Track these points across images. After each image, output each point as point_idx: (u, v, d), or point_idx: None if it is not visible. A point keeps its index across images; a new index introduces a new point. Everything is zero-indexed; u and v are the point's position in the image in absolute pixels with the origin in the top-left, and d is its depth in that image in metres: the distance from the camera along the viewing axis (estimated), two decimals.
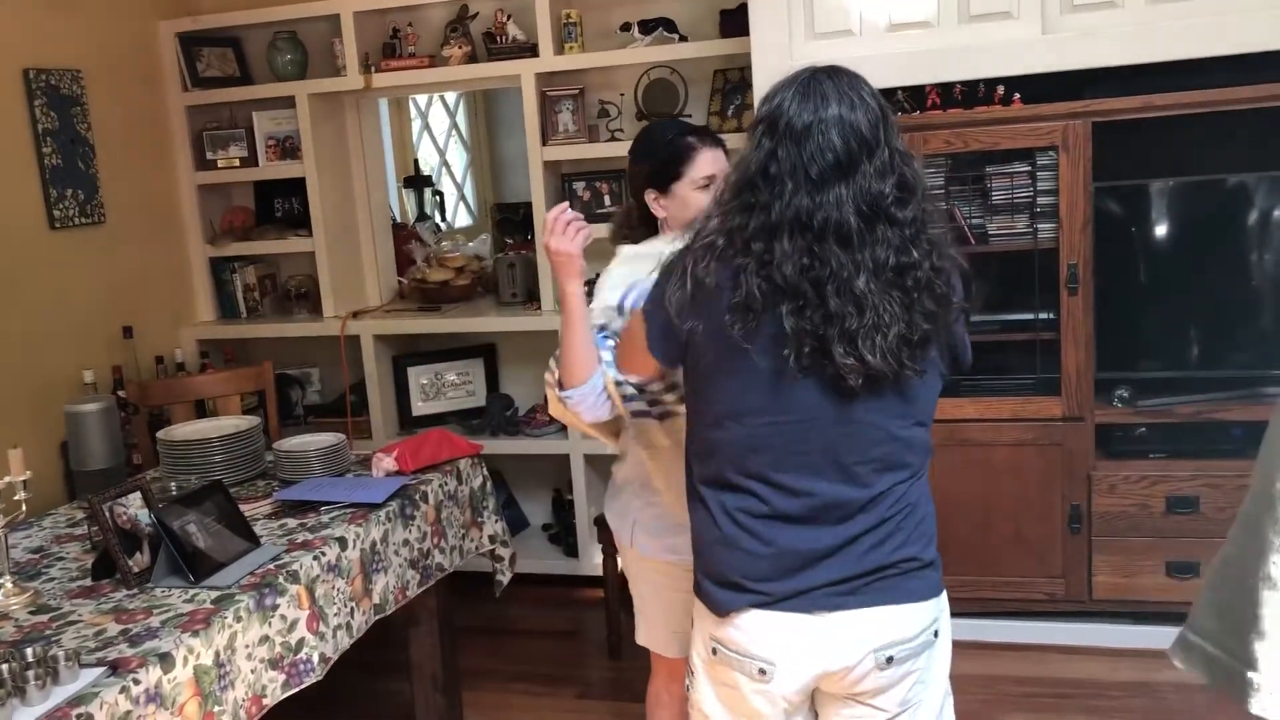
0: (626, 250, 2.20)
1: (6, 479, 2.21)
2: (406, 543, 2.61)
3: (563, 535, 4.16)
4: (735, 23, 3.57)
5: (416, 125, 6.34)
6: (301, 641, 2.19)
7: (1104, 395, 3.25)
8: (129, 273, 4.00)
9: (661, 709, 2.38)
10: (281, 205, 4.41)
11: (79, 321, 3.75)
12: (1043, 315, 3.25)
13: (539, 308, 3.98)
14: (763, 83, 3.12)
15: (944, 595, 1.76)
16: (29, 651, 1.80)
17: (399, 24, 4.09)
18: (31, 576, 2.29)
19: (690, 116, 3.78)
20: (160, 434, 2.93)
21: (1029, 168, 3.21)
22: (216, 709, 1.94)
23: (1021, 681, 3.16)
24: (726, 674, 1.74)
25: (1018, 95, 3.20)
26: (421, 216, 5.59)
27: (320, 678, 2.22)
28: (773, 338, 1.59)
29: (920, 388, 1.65)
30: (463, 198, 6.80)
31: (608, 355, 2.03)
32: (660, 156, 2.16)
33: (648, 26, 3.79)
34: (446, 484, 2.81)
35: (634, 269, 2.06)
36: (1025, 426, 3.25)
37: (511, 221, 5.12)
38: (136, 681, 1.79)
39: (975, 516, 3.28)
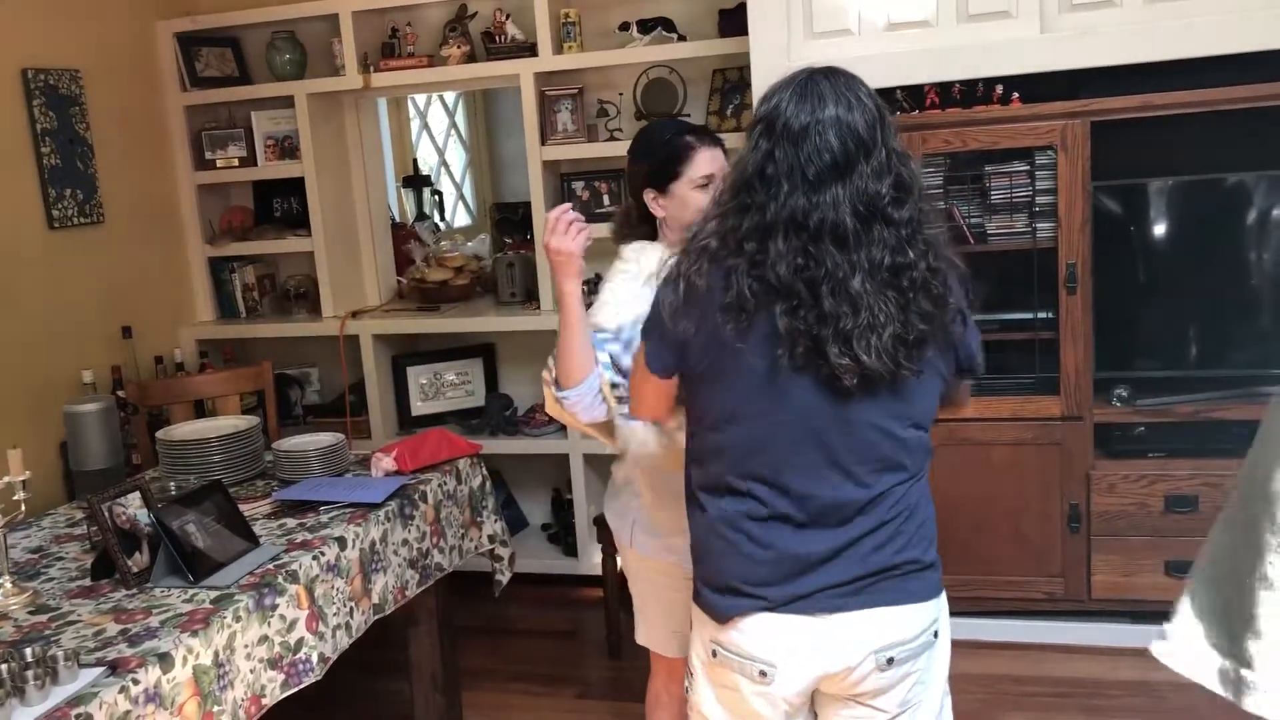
0: (631, 249, 2.21)
1: (6, 479, 2.21)
2: (406, 542, 2.61)
3: (562, 535, 4.16)
4: (734, 22, 3.57)
5: (415, 125, 6.34)
6: (301, 641, 2.19)
7: (1103, 394, 3.25)
8: (128, 273, 4.00)
9: (661, 709, 2.38)
10: (280, 205, 4.41)
11: (78, 321, 3.75)
12: (1041, 314, 3.25)
13: (538, 307, 3.98)
14: (761, 82, 3.12)
15: (944, 596, 1.76)
16: (28, 651, 1.80)
17: (398, 24, 4.09)
18: (31, 576, 2.29)
19: (689, 116, 3.78)
20: (159, 434, 2.94)
21: (1028, 167, 3.21)
22: (216, 709, 1.95)
23: (1020, 681, 3.16)
24: (726, 676, 1.74)
25: (1016, 94, 3.20)
26: (420, 216, 5.59)
27: (319, 677, 2.23)
28: (766, 337, 1.59)
29: (917, 389, 1.64)
30: (461, 197, 6.80)
31: (605, 357, 2.03)
32: (659, 156, 2.16)
33: (646, 26, 3.79)
34: (446, 484, 2.81)
35: (637, 294, 2.06)
36: (1024, 426, 3.26)
37: (510, 221, 5.12)
38: (136, 681, 1.79)
39: (974, 516, 3.28)
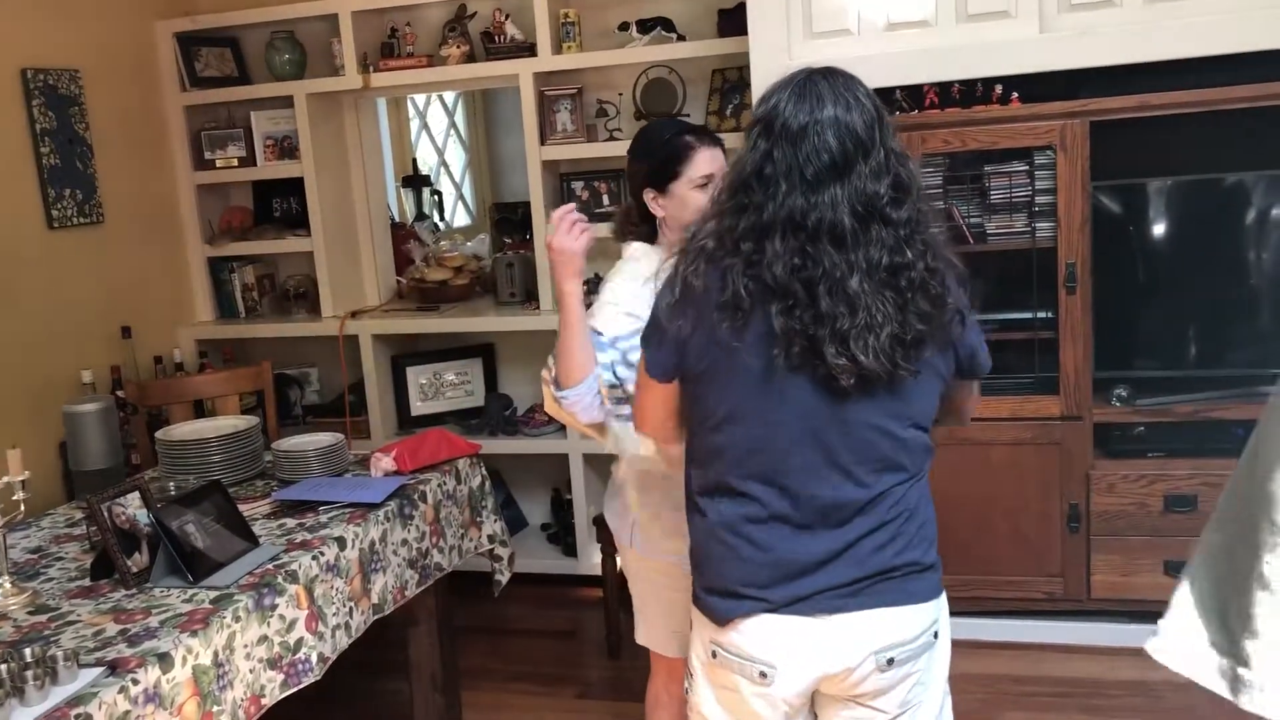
0: (630, 250, 2.21)
1: (5, 479, 2.21)
2: (405, 542, 2.61)
3: (561, 535, 4.16)
4: (733, 22, 3.57)
5: (415, 125, 6.34)
6: (300, 641, 2.19)
7: (1102, 394, 3.25)
8: (127, 273, 4.00)
9: (661, 709, 2.38)
10: (280, 205, 4.41)
11: (77, 321, 3.75)
12: (1041, 314, 3.25)
13: (537, 307, 3.98)
14: (761, 82, 3.12)
15: (944, 597, 1.76)
16: (28, 652, 1.80)
17: (397, 23, 4.09)
18: (30, 576, 2.29)
19: (688, 116, 3.78)
20: (159, 434, 2.94)
21: (1027, 167, 3.21)
22: (215, 709, 1.95)
23: (1020, 680, 3.16)
24: (726, 677, 1.74)
25: (1015, 94, 3.20)
26: (420, 216, 5.59)
27: (319, 677, 2.23)
28: (762, 337, 1.59)
29: (916, 389, 1.64)
30: (461, 197, 6.80)
31: (606, 358, 2.04)
32: (658, 156, 2.17)
33: (646, 26, 3.79)
34: (445, 484, 2.81)
35: (637, 294, 2.06)
36: (1023, 425, 3.26)
37: (510, 221, 5.12)
38: (135, 681, 1.79)
39: (973, 516, 3.28)
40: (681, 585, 1.95)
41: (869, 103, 1.62)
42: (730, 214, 1.63)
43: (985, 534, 3.30)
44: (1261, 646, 0.94)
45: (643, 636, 2.35)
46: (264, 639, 2.10)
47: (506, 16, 3.93)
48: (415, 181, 5.78)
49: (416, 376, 4.21)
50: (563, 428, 3.92)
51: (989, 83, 3.21)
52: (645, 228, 2.23)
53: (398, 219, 5.29)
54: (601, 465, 3.74)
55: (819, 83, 1.62)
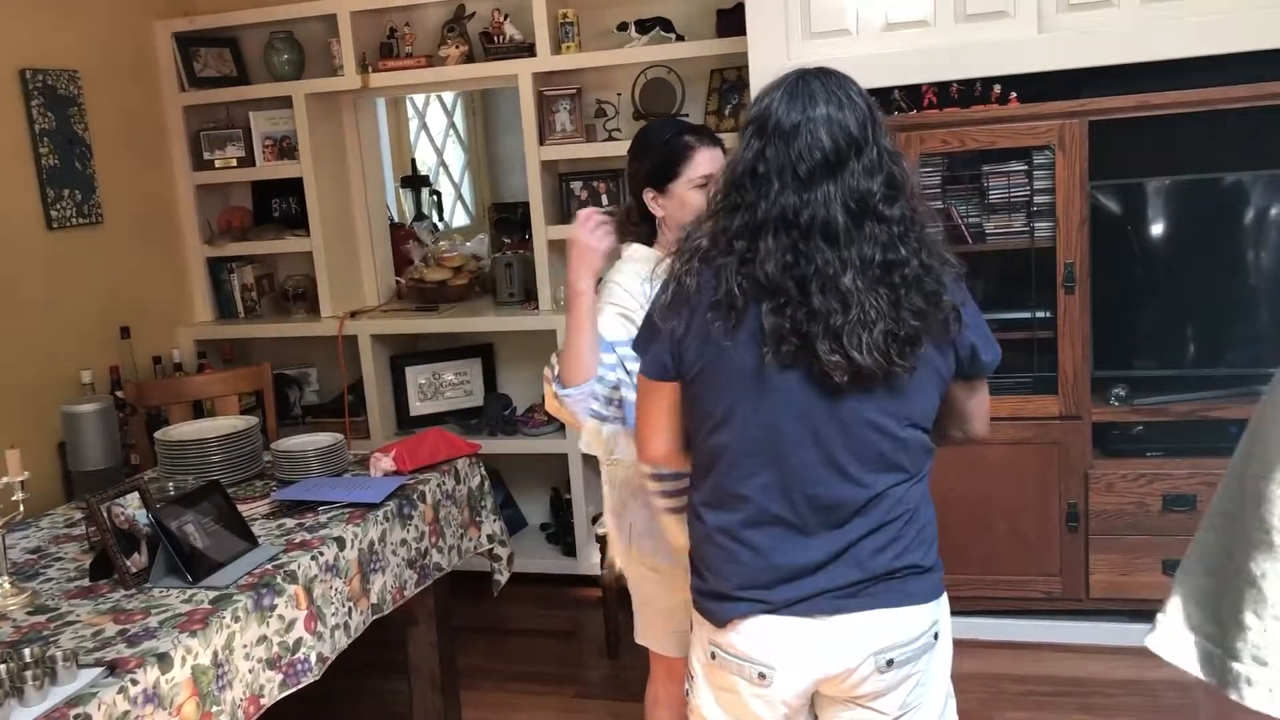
0: (632, 249, 2.21)
1: (4, 479, 2.21)
2: (404, 542, 2.61)
3: (560, 535, 4.16)
4: (732, 22, 3.57)
5: (414, 125, 6.34)
6: (299, 641, 2.19)
7: (1101, 394, 3.25)
8: (126, 273, 4.00)
9: (660, 709, 2.38)
10: (279, 205, 4.41)
11: (76, 322, 3.75)
12: (1040, 314, 3.25)
13: (536, 307, 3.98)
14: (759, 82, 3.10)
15: (944, 597, 1.76)
16: (27, 652, 1.80)
17: (396, 24, 4.09)
18: (29, 577, 2.29)
19: (687, 116, 3.78)
20: (158, 434, 2.94)
21: (1026, 167, 3.21)
22: (214, 709, 1.95)
23: (1019, 680, 3.16)
24: (725, 678, 1.74)
25: (1014, 94, 3.20)
26: (419, 216, 5.59)
27: (318, 677, 2.23)
28: (755, 335, 1.59)
29: (914, 388, 1.64)
30: (460, 197, 6.80)
31: (611, 358, 2.04)
32: (658, 156, 2.17)
33: (645, 26, 3.79)
34: (444, 483, 2.81)
35: (635, 293, 2.07)
36: (1023, 425, 3.26)
37: (509, 221, 5.12)
38: (134, 682, 1.79)
39: (972, 515, 3.28)
40: (681, 585, 1.95)
41: (861, 101, 1.63)
42: (724, 213, 1.64)
43: (984, 533, 3.30)
44: (1250, 642, 0.95)
45: (642, 636, 2.35)
46: (263, 639, 2.10)
47: (505, 17, 3.93)
48: (414, 182, 5.78)
49: (415, 376, 4.21)
50: (562, 427, 3.92)
51: (987, 83, 3.21)
52: (645, 228, 2.24)
53: (396, 219, 5.29)
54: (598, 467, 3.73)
55: (811, 82, 1.62)
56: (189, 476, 2.75)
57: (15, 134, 3.59)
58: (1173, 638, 1.05)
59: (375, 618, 2.48)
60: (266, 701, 2.09)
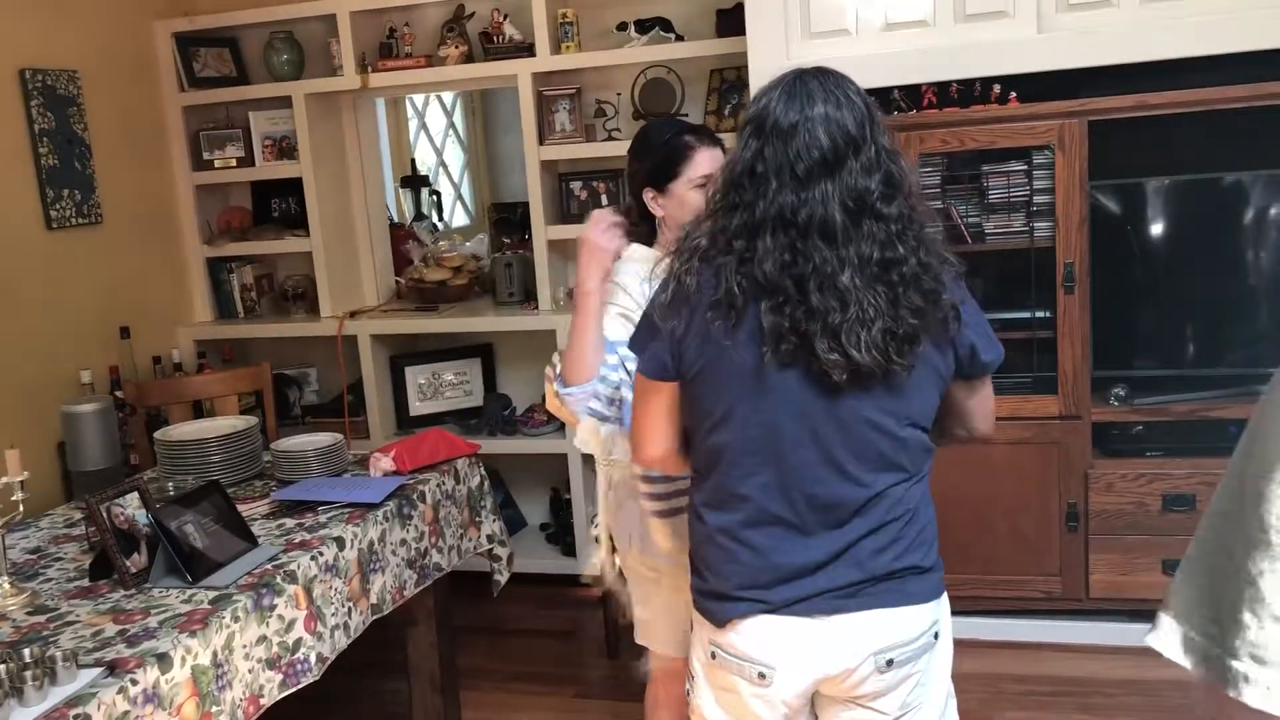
0: (631, 249, 2.21)
1: (4, 479, 2.21)
2: (404, 542, 2.61)
3: (560, 535, 4.16)
4: (731, 22, 3.57)
5: (413, 125, 6.34)
6: (299, 641, 2.19)
7: (1101, 394, 3.25)
8: (126, 273, 4.00)
9: (660, 708, 2.38)
10: (278, 205, 4.41)
11: (76, 322, 3.75)
12: (1039, 314, 3.25)
13: (536, 307, 3.98)
14: (759, 82, 3.10)
15: (944, 597, 1.75)
16: (26, 652, 1.80)
17: (395, 24, 4.09)
18: (29, 577, 2.29)
19: (687, 116, 3.78)
20: (158, 434, 2.93)
21: (1025, 166, 3.22)
22: (214, 709, 1.95)
23: (1019, 679, 3.16)
24: (725, 678, 1.74)
25: (1014, 94, 3.20)
26: (419, 216, 5.59)
27: (318, 678, 2.23)
28: (754, 334, 1.59)
29: (913, 386, 1.64)
30: (460, 197, 6.80)
31: (612, 359, 2.04)
32: (658, 155, 2.17)
33: (644, 26, 3.79)
34: (444, 484, 2.81)
35: (634, 294, 2.07)
36: (1022, 425, 3.26)
37: (509, 221, 5.12)
38: (134, 682, 1.79)
39: (972, 515, 3.28)
40: (681, 585, 1.95)
41: (859, 100, 1.63)
42: (723, 213, 1.64)
43: (984, 533, 3.30)
44: (1248, 640, 0.96)
45: (642, 636, 2.35)
46: (263, 639, 2.10)
47: (505, 17, 3.93)
48: (414, 182, 5.78)
49: (415, 376, 4.21)
50: (561, 427, 3.93)
51: (987, 82, 3.21)
52: (644, 228, 2.24)
53: (396, 219, 5.29)
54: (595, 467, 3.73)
55: (809, 82, 1.63)
56: (189, 476, 2.75)
57: (15, 134, 3.59)
58: (1173, 635, 1.06)
59: (375, 618, 2.48)
60: (266, 702, 2.09)
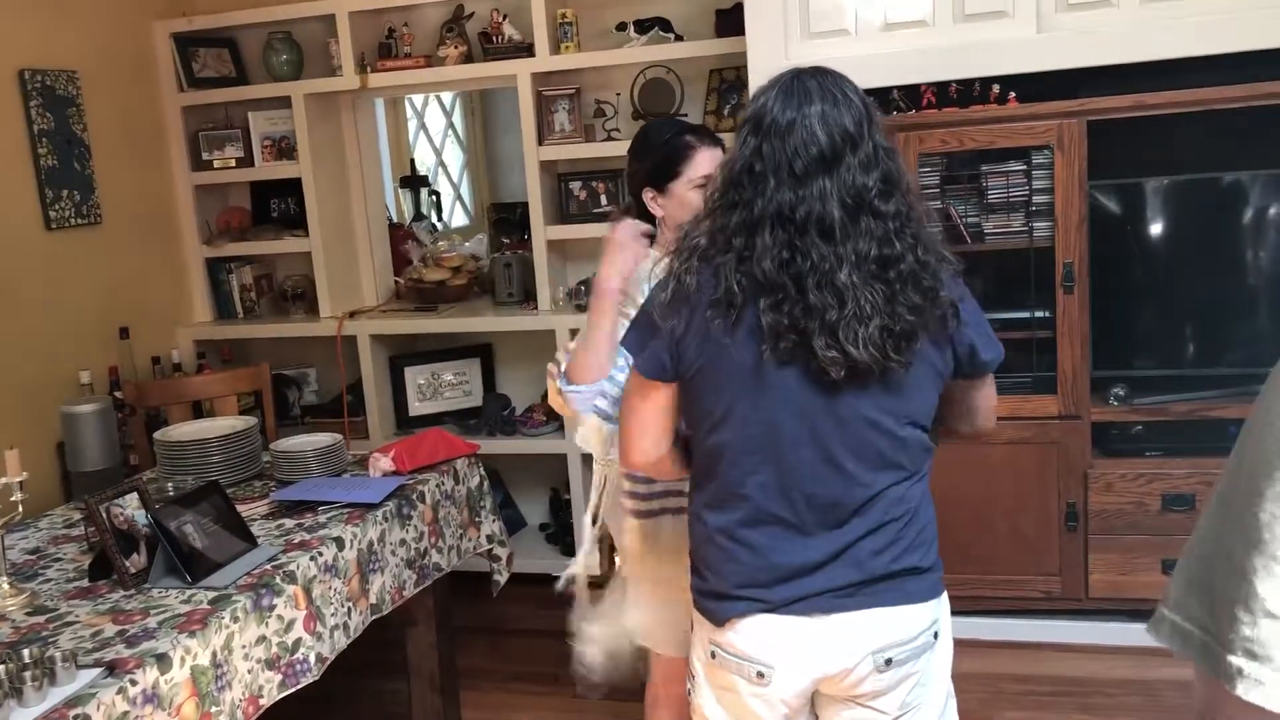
0: None
1: (3, 480, 2.21)
2: (403, 543, 2.61)
3: (560, 535, 4.16)
4: (731, 22, 3.57)
5: (413, 125, 6.34)
6: (298, 642, 2.19)
7: (1100, 393, 3.25)
8: (125, 273, 4.00)
9: (660, 708, 2.38)
10: (278, 205, 4.41)
11: (75, 322, 3.75)
12: (1039, 314, 3.25)
13: (535, 307, 3.98)
14: (758, 82, 3.11)
15: (944, 597, 1.75)
16: (26, 652, 1.80)
17: (395, 24, 4.09)
18: (28, 577, 2.29)
19: (686, 116, 3.78)
20: (157, 434, 2.93)
21: (1024, 166, 3.22)
22: (214, 709, 1.95)
23: (1018, 679, 3.16)
24: (725, 677, 1.74)
25: (1013, 94, 3.20)
26: (418, 216, 5.58)
27: (317, 678, 2.23)
28: (754, 332, 1.59)
29: (912, 384, 1.64)
30: (459, 197, 6.80)
31: (621, 360, 2.03)
32: (658, 155, 2.17)
33: (643, 26, 3.79)
34: (443, 484, 2.81)
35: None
36: (1022, 425, 3.26)
37: (508, 221, 5.12)
38: (134, 682, 1.79)
39: (972, 515, 3.28)
40: (681, 585, 1.95)
41: (857, 99, 1.63)
42: (722, 211, 1.64)
43: (983, 533, 3.30)
44: (1241, 635, 0.98)
45: (642, 636, 2.35)
46: (262, 639, 2.10)
47: (504, 17, 3.93)
48: (413, 182, 5.78)
49: (414, 377, 4.21)
50: (561, 427, 3.93)
51: (986, 82, 3.22)
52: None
53: (395, 219, 5.29)
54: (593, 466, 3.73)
55: (807, 80, 1.63)
56: (188, 477, 2.75)
57: (14, 134, 3.59)
58: (1172, 628, 1.08)
59: (374, 618, 2.47)
60: (266, 702, 2.09)
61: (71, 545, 2.48)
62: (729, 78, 3.81)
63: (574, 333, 2.50)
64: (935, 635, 1.73)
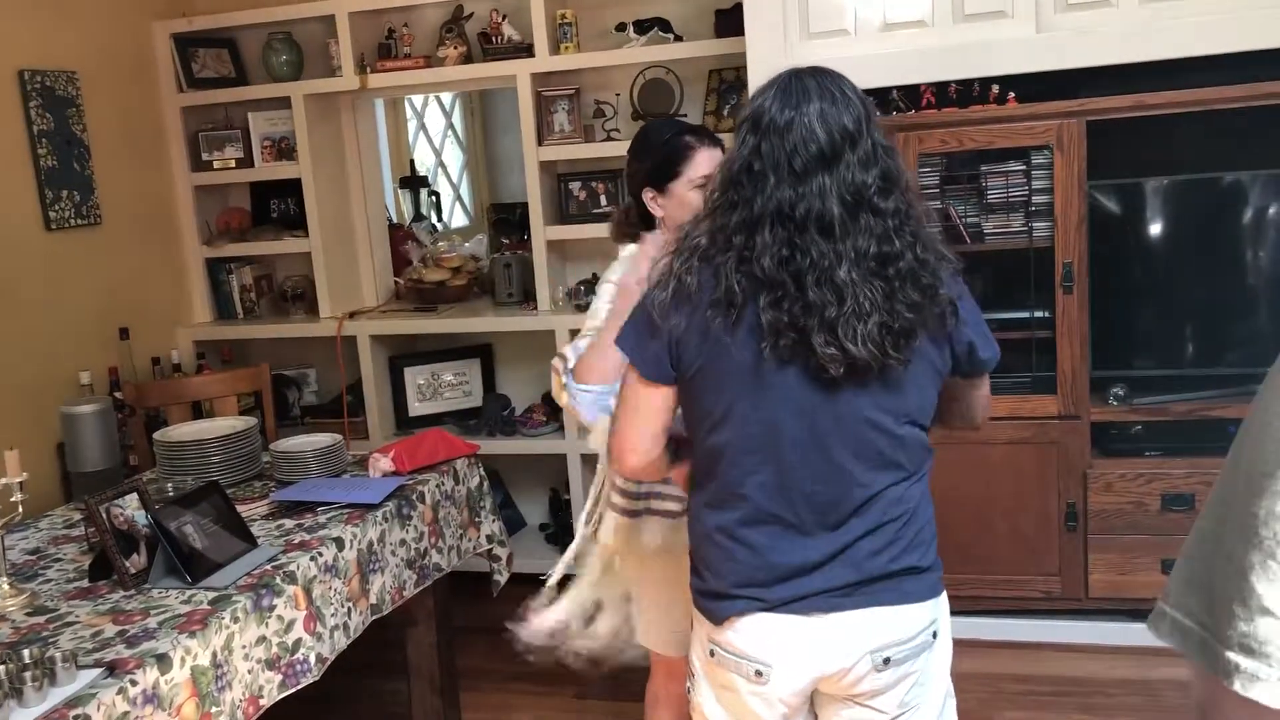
0: (629, 250, 2.22)
1: (3, 480, 2.21)
2: (403, 543, 2.61)
3: (559, 535, 4.16)
4: (730, 22, 3.57)
5: (412, 125, 6.34)
6: (298, 642, 2.19)
7: (1100, 393, 3.25)
8: (125, 274, 4.00)
9: (660, 708, 2.39)
10: (278, 206, 4.41)
11: (75, 323, 3.75)
12: (1038, 314, 3.25)
13: (535, 308, 3.98)
14: (757, 83, 3.11)
15: (943, 596, 1.75)
16: (26, 653, 1.80)
17: (394, 24, 4.09)
18: (29, 578, 2.29)
19: (686, 116, 3.78)
20: (157, 435, 2.94)
21: (1024, 167, 3.22)
22: (214, 709, 1.95)
23: (1018, 679, 3.16)
24: (724, 676, 1.74)
25: (1012, 94, 3.20)
26: (418, 217, 5.59)
27: (317, 678, 2.23)
28: (754, 330, 1.59)
29: (910, 383, 1.64)
30: (459, 198, 6.80)
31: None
32: (658, 155, 2.17)
33: (643, 26, 3.79)
34: (443, 484, 2.81)
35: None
36: (1021, 425, 3.26)
37: (508, 221, 5.12)
38: (134, 682, 1.79)
39: (972, 515, 3.29)
40: (681, 584, 1.95)
41: (855, 97, 1.63)
42: (722, 211, 1.64)
43: (983, 533, 3.31)
44: (1238, 630, 1.00)
45: (642, 636, 2.35)
46: (262, 640, 2.10)
47: (504, 17, 3.93)
48: (413, 182, 5.78)
49: (414, 377, 4.21)
50: (561, 428, 3.93)
51: (986, 82, 3.22)
52: (643, 229, 2.23)
53: (395, 220, 5.29)
54: (596, 466, 3.73)
55: (805, 80, 1.63)
56: (188, 477, 2.75)
57: (14, 135, 3.59)
58: (1172, 624, 1.09)
59: (374, 618, 2.48)
60: (266, 702, 2.09)
61: (71, 546, 2.48)
62: (728, 78, 3.81)
63: (574, 333, 2.49)
64: (934, 635, 1.73)
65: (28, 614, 2.10)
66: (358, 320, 4.16)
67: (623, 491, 2.15)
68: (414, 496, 2.68)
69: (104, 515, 2.20)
